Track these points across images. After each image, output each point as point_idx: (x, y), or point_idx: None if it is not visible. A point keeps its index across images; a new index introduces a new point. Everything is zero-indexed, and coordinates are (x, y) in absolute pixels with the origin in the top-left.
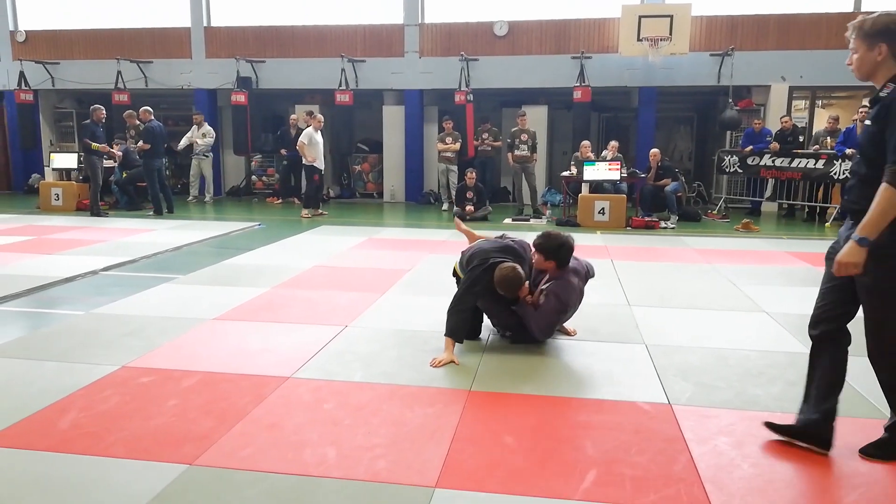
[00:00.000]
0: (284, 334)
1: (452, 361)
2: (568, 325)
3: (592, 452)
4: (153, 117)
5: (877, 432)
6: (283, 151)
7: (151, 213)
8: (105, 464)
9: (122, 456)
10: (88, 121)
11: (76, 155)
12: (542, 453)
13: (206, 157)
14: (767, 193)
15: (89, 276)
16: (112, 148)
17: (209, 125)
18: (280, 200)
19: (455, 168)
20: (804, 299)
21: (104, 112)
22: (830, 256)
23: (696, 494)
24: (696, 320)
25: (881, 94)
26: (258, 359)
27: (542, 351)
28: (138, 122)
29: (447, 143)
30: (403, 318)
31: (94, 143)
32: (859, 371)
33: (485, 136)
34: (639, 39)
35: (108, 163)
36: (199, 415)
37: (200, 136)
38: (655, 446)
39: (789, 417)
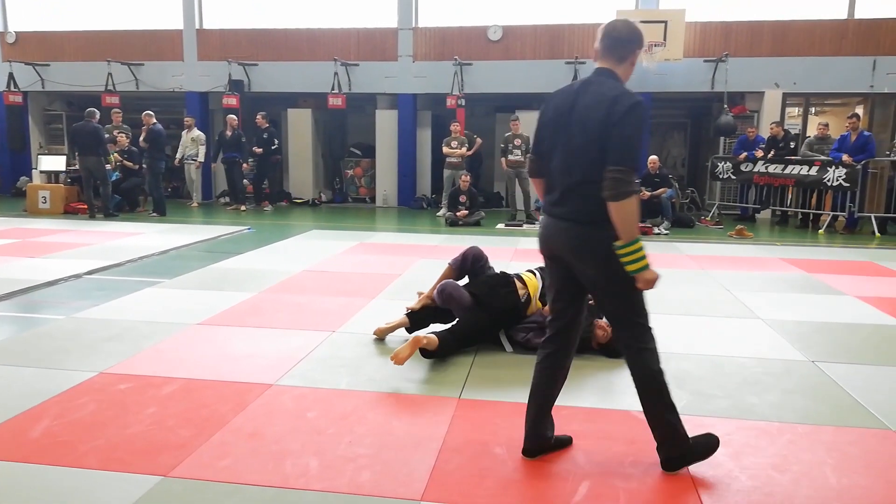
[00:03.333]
0: (270, 340)
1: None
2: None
3: (585, 463)
4: (155, 120)
5: (877, 444)
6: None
7: (154, 214)
8: (76, 475)
9: (95, 467)
10: (105, 128)
11: (64, 157)
12: (533, 464)
13: (194, 161)
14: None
15: (73, 280)
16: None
17: (199, 130)
18: (244, 207)
19: (463, 173)
20: (798, 305)
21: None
22: None
23: None
24: (691, 327)
25: None
26: (242, 365)
27: (532, 359)
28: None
29: (452, 148)
30: None
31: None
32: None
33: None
34: None
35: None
36: (177, 423)
37: (190, 140)
38: (650, 458)
39: (786, 427)
